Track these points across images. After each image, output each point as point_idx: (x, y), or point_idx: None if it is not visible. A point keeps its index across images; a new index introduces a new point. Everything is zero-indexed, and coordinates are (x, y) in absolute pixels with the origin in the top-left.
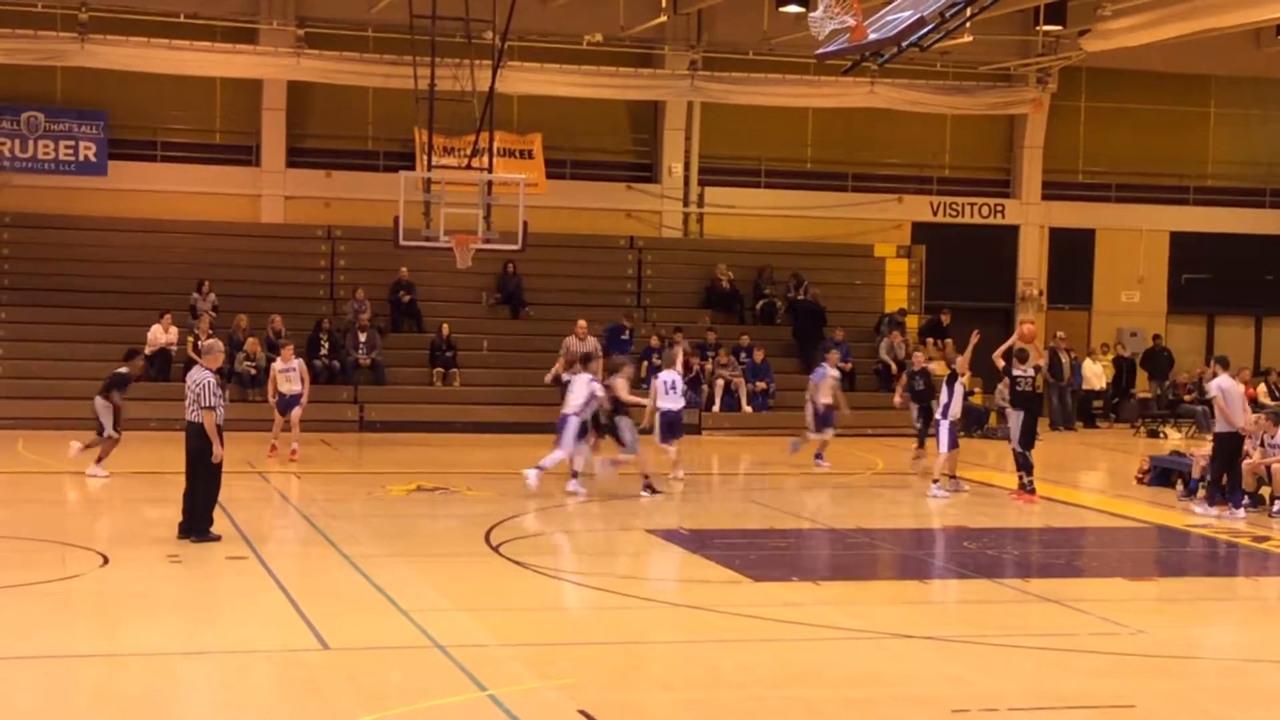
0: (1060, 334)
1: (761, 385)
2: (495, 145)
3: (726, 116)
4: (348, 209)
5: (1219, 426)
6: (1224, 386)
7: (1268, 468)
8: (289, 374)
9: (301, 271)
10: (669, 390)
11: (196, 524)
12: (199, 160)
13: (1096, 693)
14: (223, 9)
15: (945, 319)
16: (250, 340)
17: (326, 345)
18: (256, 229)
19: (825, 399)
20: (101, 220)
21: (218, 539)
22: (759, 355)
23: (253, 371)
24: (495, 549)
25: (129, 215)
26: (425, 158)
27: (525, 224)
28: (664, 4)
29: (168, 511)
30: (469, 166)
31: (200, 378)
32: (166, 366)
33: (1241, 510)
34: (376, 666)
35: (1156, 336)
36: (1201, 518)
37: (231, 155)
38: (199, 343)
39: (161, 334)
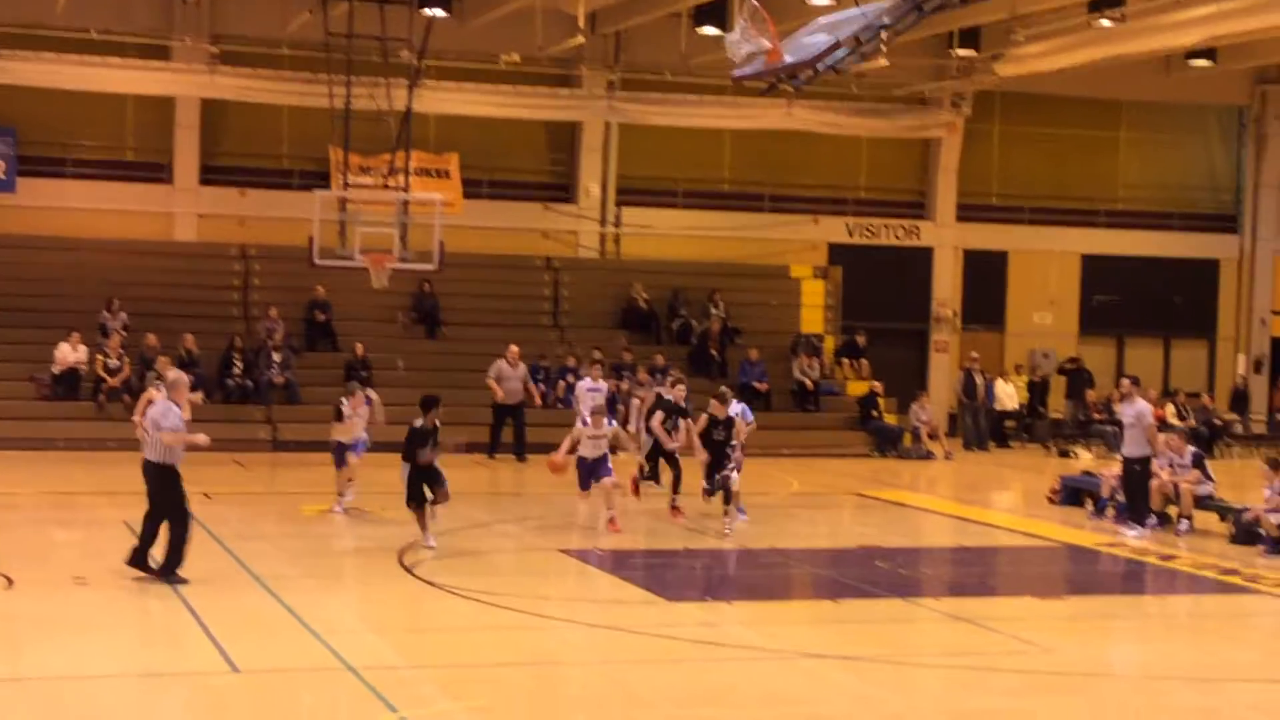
0: (974, 354)
1: None
2: (412, 165)
3: (644, 137)
4: (262, 227)
5: (1131, 450)
6: (1142, 410)
7: (1175, 487)
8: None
9: (214, 290)
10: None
11: (167, 565)
12: (110, 178)
13: (1006, 711)
14: (135, 26)
15: (861, 340)
16: (161, 359)
17: (240, 364)
18: (169, 247)
19: None
20: (9, 238)
21: (185, 582)
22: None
23: None
24: (409, 570)
25: (38, 233)
26: (341, 176)
27: (441, 244)
28: (581, 25)
29: (74, 533)
30: (385, 186)
31: (164, 409)
32: (75, 386)
33: (1149, 529)
34: (287, 689)
35: (1077, 359)
36: (1121, 538)
37: (144, 173)
38: (160, 376)
39: (70, 353)
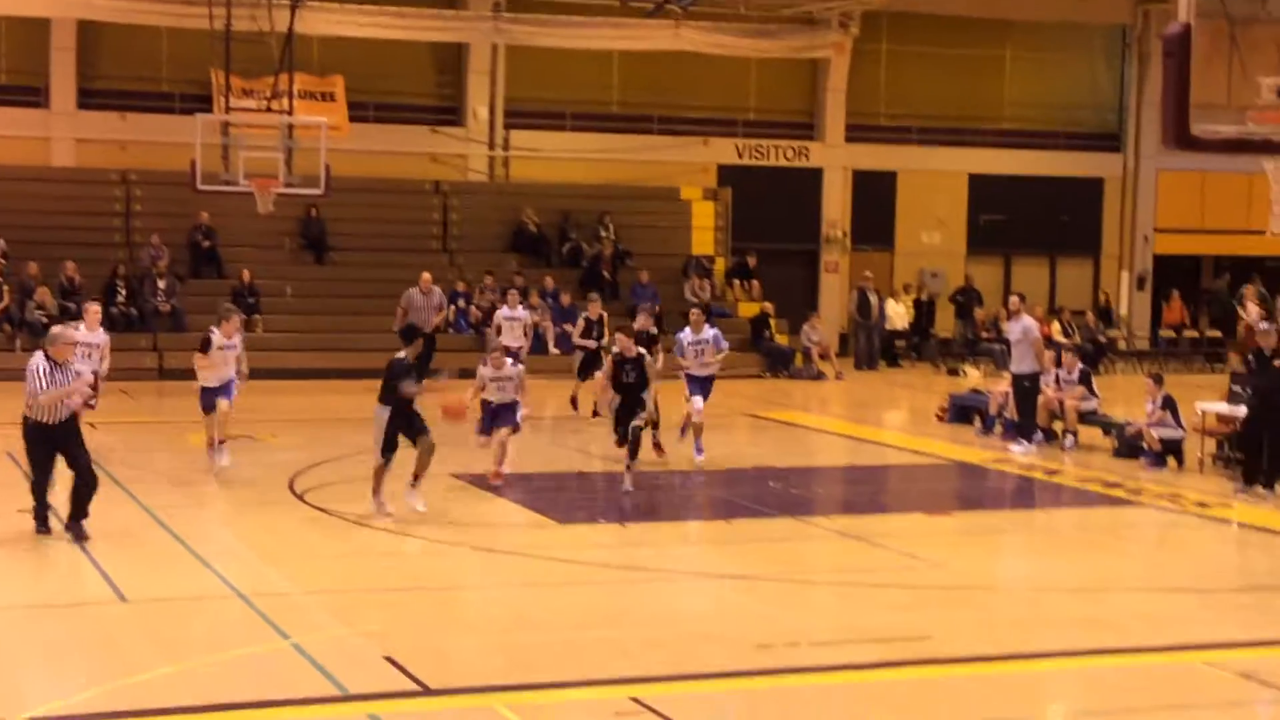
0: (868, 274)
1: (569, 327)
2: (295, 87)
3: (532, 59)
4: (144, 152)
5: (1019, 366)
6: (1028, 326)
7: (1060, 403)
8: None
9: (96, 217)
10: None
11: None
12: None
13: (895, 625)
14: None
15: (752, 261)
16: (41, 289)
17: (124, 292)
18: (47, 173)
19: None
20: None
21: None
22: (565, 298)
23: (44, 320)
24: (299, 497)
25: None
26: (223, 100)
27: (327, 168)
28: None
29: None
30: (268, 109)
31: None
32: None
33: (1035, 445)
34: (177, 617)
35: (968, 277)
36: (1009, 454)
37: (19, 96)
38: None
39: None
